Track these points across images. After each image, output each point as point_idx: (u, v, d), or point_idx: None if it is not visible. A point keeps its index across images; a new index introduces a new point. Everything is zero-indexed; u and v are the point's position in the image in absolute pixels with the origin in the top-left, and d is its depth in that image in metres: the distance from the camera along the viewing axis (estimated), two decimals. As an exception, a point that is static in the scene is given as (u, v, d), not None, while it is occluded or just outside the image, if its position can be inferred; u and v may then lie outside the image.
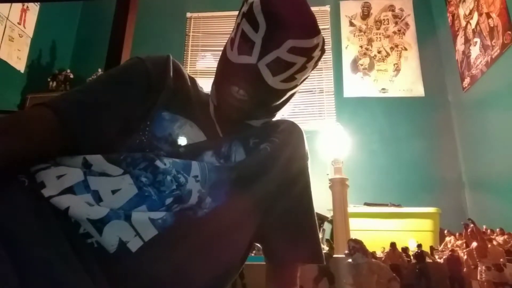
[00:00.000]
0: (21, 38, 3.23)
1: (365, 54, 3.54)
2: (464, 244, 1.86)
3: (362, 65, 3.51)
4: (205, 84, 0.77)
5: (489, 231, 1.82)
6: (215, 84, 0.72)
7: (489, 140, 2.63)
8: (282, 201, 0.70)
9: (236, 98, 0.66)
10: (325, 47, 0.70)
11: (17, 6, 3.18)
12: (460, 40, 3.07)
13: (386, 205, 2.56)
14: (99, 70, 3.11)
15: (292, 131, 0.73)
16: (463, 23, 3.01)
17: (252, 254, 1.65)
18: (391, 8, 3.64)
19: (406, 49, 3.49)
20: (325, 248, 1.91)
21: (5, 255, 0.44)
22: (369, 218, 2.46)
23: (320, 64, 0.73)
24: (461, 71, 3.03)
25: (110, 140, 0.62)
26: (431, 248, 1.97)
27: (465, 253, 1.68)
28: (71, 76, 3.52)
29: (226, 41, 0.72)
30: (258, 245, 1.39)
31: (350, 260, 1.55)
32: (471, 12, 2.88)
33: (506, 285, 1.45)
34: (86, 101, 0.63)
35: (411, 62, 3.44)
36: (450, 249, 1.79)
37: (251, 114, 0.71)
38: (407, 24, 3.57)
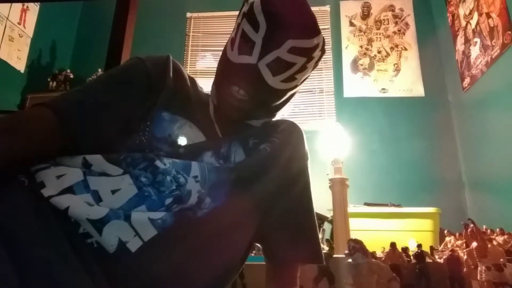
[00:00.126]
0: (21, 38, 3.23)
1: (365, 54, 3.54)
2: (464, 244, 1.86)
3: (362, 65, 3.51)
4: (205, 84, 0.77)
5: (489, 231, 1.82)
6: (215, 84, 0.72)
7: (489, 140, 2.63)
8: (282, 201, 0.70)
9: (236, 98, 0.66)
10: (325, 47, 0.70)
11: (17, 6, 3.18)
12: (460, 40, 3.07)
13: (386, 205, 2.56)
14: (99, 70, 3.11)
15: (292, 131, 0.73)
16: (463, 23, 3.01)
17: (252, 254, 1.65)
18: (391, 8, 3.64)
19: (406, 49, 3.49)
20: (325, 248, 1.91)
21: (5, 255, 0.44)
22: (369, 218, 2.46)
23: (320, 64, 0.73)
24: (461, 71, 3.03)
25: (110, 140, 0.63)
26: (431, 248, 1.97)
27: (465, 253, 1.68)
28: (71, 76, 3.52)
29: (226, 41, 0.72)
30: (258, 245, 1.39)
31: (350, 260, 1.55)
32: (471, 12, 2.88)
33: (506, 285, 1.45)
34: (86, 101, 0.63)
35: (411, 62, 3.44)
36: (450, 249, 1.79)
37: (251, 114, 0.71)
38: (407, 24, 3.57)
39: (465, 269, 1.63)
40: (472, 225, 1.68)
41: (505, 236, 1.75)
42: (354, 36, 3.62)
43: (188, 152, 0.63)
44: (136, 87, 0.67)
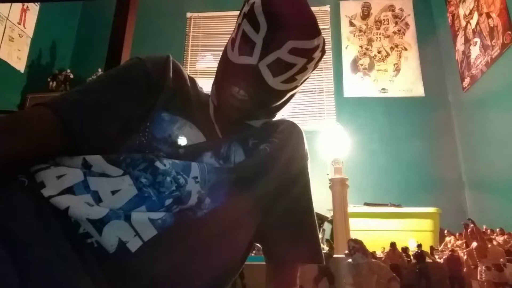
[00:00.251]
0: (21, 38, 3.23)
1: (365, 54, 3.54)
2: (464, 244, 1.86)
3: (362, 65, 3.51)
4: (205, 84, 0.77)
5: (489, 231, 1.82)
6: (216, 84, 0.72)
7: (489, 140, 2.63)
8: (281, 201, 0.70)
9: (237, 99, 0.66)
10: (325, 47, 0.70)
11: (17, 6, 3.18)
12: (460, 40, 3.07)
13: (386, 205, 2.56)
14: (99, 70, 3.11)
15: (291, 131, 0.73)
16: (463, 23, 3.01)
17: (252, 254, 1.65)
18: (391, 8, 3.64)
19: (406, 49, 3.49)
20: (325, 248, 1.91)
21: (5, 255, 0.44)
22: (369, 218, 2.46)
23: (320, 64, 0.73)
24: (461, 71, 3.03)
25: (110, 140, 0.63)
26: (431, 248, 1.96)
27: (465, 253, 1.68)
28: (71, 76, 3.52)
29: (226, 41, 0.72)
30: (258, 245, 1.39)
31: (350, 260, 1.55)
32: (471, 12, 2.88)
33: (506, 285, 1.45)
34: (86, 101, 0.63)
35: (411, 62, 3.44)
36: (450, 249, 1.78)
37: (251, 114, 0.71)
38: (407, 24, 3.57)
39: (465, 269, 1.63)
40: (472, 225, 1.68)
41: (505, 236, 1.75)
42: (354, 36, 3.62)
43: (188, 152, 0.63)
44: (136, 87, 0.67)
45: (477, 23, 2.77)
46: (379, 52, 3.53)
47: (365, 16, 3.66)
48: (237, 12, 0.71)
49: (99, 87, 0.67)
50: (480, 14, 2.73)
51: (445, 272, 1.66)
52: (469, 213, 2.83)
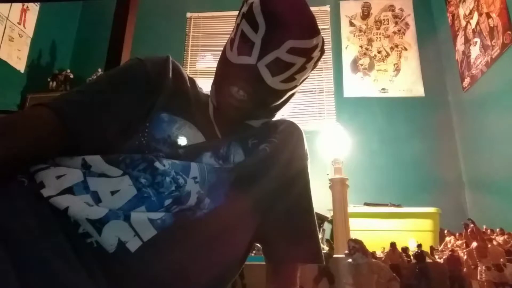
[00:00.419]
0: (21, 38, 3.23)
1: (365, 54, 3.54)
2: (464, 244, 1.85)
3: (362, 65, 3.51)
4: (205, 84, 0.77)
5: (489, 231, 1.82)
6: (215, 84, 0.72)
7: (489, 140, 2.63)
8: (281, 202, 0.70)
9: (236, 99, 0.66)
10: (325, 47, 0.70)
11: (17, 6, 3.18)
12: (460, 40, 3.07)
13: (386, 205, 2.56)
14: (99, 70, 3.11)
15: (291, 131, 0.74)
16: (463, 23, 3.01)
17: (252, 254, 1.65)
18: (391, 8, 3.64)
19: (406, 49, 3.49)
20: (325, 248, 1.91)
21: (4, 254, 0.45)
22: (369, 218, 2.46)
23: (320, 64, 0.74)
24: (461, 71, 3.03)
25: (109, 141, 0.63)
26: (431, 248, 1.96)
27: (465, 253, 1.68)
28: (71, 76, 3.51)
29: (226, 41, 0.72)
30: (258, 245, 1.39)
31: (350, 260, 1.55)
32: (471, 12, 2.88)
33: (506, 285, 1.45)
34: (86, 101, 0.63)
35: (411, 62, 3.44)
36: (450, 249, 1.78)
37: (251, 114, 0.71)
38: (407, 24, 3.57)
39: (465, 269, 1.63)
40: (472, 225, 1.67)
41: (505, 236, 1.75)
42: (354, 36, 3.62)
43: (188, 153, 0.63)
44: (135, 88, 0.67)
45: (477, 23, 2.77)
46: (379, 52, 3.53)
47: (365, 16, 3.66)
48: (237, 12, 0.71)
49: (99, 88, 0.67)
50: (480, 14, 2.73)
51: (445, 272, 1.66)
52: (469, 213, 2.82)
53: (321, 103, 3.47)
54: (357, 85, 3.45)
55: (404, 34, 3.54)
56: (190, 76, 0.78)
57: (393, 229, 2.34)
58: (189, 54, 3.77)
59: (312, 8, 0.66)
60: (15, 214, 0.50)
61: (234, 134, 0.70)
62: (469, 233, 1.67)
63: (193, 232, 0.57)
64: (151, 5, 3.54)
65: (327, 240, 2.25)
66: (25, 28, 3.27)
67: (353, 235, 1.98)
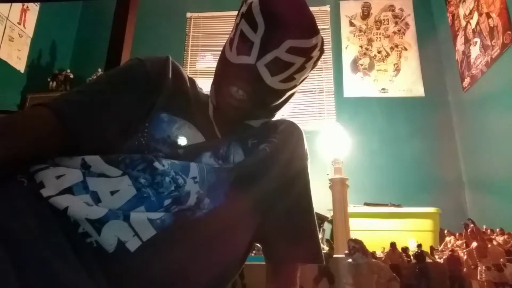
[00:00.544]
0: (21, 38, 3.23)
1: (365, 54, 3.54)
2: (464, 244, 1.85)
3: (362, 65, 3.51)
4: (205, 84, 0.77)
5: (489, 231, 1.82)
6: (214, 84, 0.72)
7: (489, 140, 2.63)
8: (281, 202, 0.70)
9: (235, 98, 0.66)
10: (324, 47, 0.70)
11: (17, 6, 3.18)
12: (460, 40, 3.07)
13: (386, 205, 2.56)
14: (99, 70, 3.11)
15: (291, 131, 0.73)
16: (463, 23, 3.01)
17: (252, 254, 1.65)
18: (391, 8, 3.64)
19: (406, 49, 3.49)
20: (325, 248, 1.91)
21: (4, 254, 0.45)
22: (369, 218, 2.46)
23: (320, 64, 0.74)
24: (461, 71, 3.03)
25: (109, 141, 0.63)
26: (431, 248, 1.96)
27: (465, 253, 1.68)
28: (71, 76, 3.51)
29: (225, 41, 0.72)
30: (258, 245, 1.39)
31: (350, 260, 1.55)
32: (471, 12, 2.88)
33: (506, 285, 1.45)
34: (86, 101, 0.63)
35: (411, 62, 3.44)
36: (450, 249, 1.78)
37: (250, 114, 0.71)
38: (407, 24, 3.57)
39: (465, 269, 1.63)
40: (472, 225, 1.67)
41: (505, 236, 1.75)
42: (354, 36, 3.62)
43: (187, 153, 0.63)
44: (135, 88, 0.67)
45: (477, 23, 2.77)
46: (379, 52, 3.53)
47: (365, 16, 3.66)
48: (237, 12, 0.71)
49: (99, 88, 0.67)
50: (480, 14, 2.73)
51: (445, 272, 1.66)
52: (469, 213, 2.82)
53: (321, 103, 3.47)
54: (357, 85, 3.45)
55: (404, 34, 3.54)
56: (190, 76, 0.78)
57: (393, 229, 2.34)
58: (189, 54, 3.77)
59: (312, 8, 0.66)
60: (15, 214, 0.50)
61: (233, 134, 0.69)
62: (469, 233, 1.67)
63: (192, 232, 0.57)
64: (151, 5, 3.54)
65: (327, 240, 2.25)
66: (25, 28, 3.27)
67: (353, 235, 1.98)
